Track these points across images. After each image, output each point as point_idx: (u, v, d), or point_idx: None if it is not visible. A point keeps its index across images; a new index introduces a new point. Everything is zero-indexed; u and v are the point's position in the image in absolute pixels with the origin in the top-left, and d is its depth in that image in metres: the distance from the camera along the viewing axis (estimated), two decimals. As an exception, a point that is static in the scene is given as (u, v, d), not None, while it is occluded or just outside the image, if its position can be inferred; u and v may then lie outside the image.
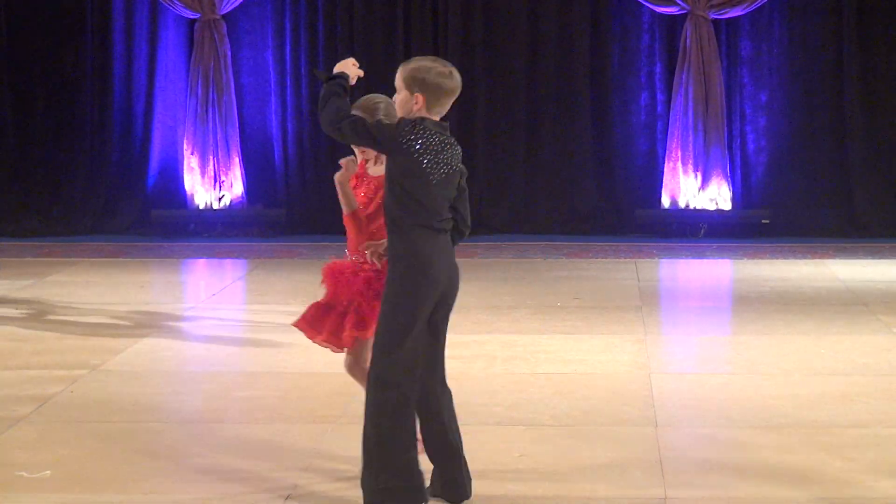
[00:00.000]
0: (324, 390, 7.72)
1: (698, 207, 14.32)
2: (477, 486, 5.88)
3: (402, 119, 5.70)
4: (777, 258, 12.93)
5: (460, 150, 5.77)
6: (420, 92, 5.67)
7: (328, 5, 14.72)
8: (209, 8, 14.51)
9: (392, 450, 5.60)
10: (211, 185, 14.60)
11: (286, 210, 14.59)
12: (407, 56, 15.26)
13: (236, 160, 14.65)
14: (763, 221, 14.25)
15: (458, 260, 5.79)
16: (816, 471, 6.27)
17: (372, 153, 6.16)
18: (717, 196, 14.29)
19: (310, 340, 6.25)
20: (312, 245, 13.70)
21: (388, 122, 5.86)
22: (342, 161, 6.19)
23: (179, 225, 14.67)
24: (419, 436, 5.76)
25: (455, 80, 5.72)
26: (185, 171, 14.68)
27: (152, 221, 14.58)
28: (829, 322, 9.78)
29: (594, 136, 14.73)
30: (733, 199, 14.38)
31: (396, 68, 5.86)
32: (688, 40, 14.24)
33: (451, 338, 5.85)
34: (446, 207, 5.70)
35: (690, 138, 14.24)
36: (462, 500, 5.83)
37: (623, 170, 14.76)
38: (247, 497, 5.96)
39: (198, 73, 14.55)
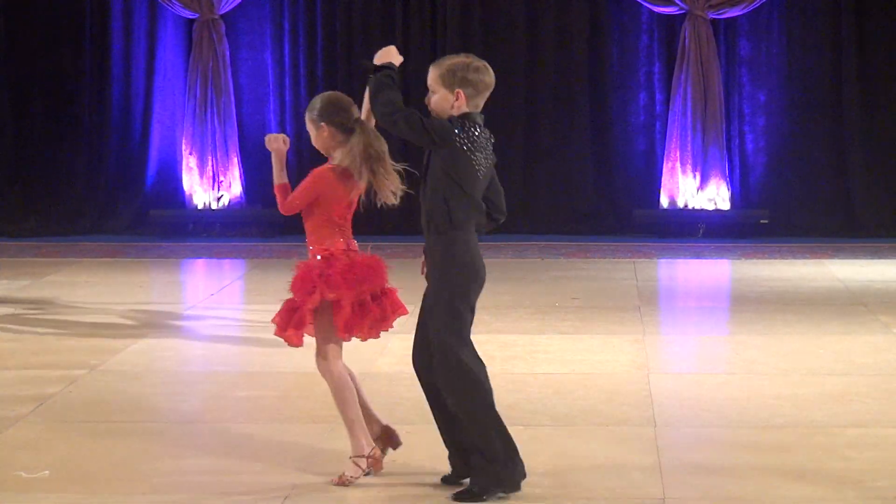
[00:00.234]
0: (324, 390, 7.66)
1: (697, 207, 14.32)
2: (476, 486, 5.89)
3: (449, 120, 5.75)
4: (775, 258, 12.93)
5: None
6: (461, 88, 5.72)
7: (326, 5, 14.73)
8: (208, 8, 14.51)
9: (501, 436, 5.82)
10: (209, 186, 14.60)
11: (285, 210, 14.57)
12: (405, 56, 15.31)
13: (235, 160, 14.67)
14: (761, 221, 14.26)
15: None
16: (815, 471, 6.27)
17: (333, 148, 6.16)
18: (715, 196, 14.30)
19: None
20: (311, 245, 13.68)
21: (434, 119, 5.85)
22: (283, 136, 6.22)
23: (178, 225, 14.67)
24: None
25: (492, 74, 5.86)
26: (183, 172, 14.68)
27: (151, 221, 14.59)
28: (827, 322, 9.78)
29: (593, 136, 14.73)
30: (732, 199, 14.39)
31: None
32: (686, 40, 14.24)
33: (450, 338, 5.88)
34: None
35: (689, 138, 14.25)
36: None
37: (622, 170, 14.76)
38: (246, 497, 5.97)
39: (196, 73, 14.55)
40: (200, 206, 14.63)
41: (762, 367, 8.42)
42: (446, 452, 6.10)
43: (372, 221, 14.75)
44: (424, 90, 5.91)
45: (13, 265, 12.59)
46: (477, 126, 5.77)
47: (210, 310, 10.50)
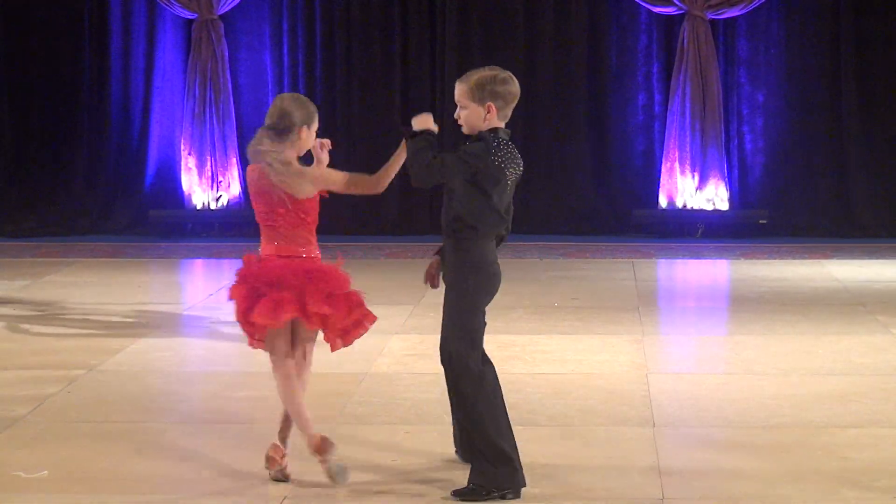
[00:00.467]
0: (323, 390, 7.71)
1: (696, 208, 14.32)
2: (475, 486, 5.89)
3: (480, 135, 5.74)
4: (774, 258, 12.94)
5: None
6: (492, 101, 5.75)
7: (325, 6, 14.72)
8: (206, 8, 14.51)
9: (506, 436, 5.84)
10: (208, 185, 14.60)
11: (283, 210, 14.57)
12: (405, 56, 15.29)
13: (234, 160, 14.67)
14: (760, 221, 14.25)
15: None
16: (814, 471, 6.28)
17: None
18: (714, 196, 14.30)
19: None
20: (310, 245, 13.68)
21: (468, 148, 5.84)
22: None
23: (177, 225, 14.67)
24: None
25: (517, 84, 5.98)
26: (182, 172, 14.68)
27: (150, 221, 14.58)
28: (826, 322, 9.79)
29: (592, 137, 14.73)
30: (731, 200, 14.38)
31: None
32: (685, 41, 14.24)
33: (449, 338, 5.88)
34: None
35: (688, 138, 14.24)
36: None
37: (620, 170, 14.76)
38: (246, 497, 5.97)
39: (195, 73, 14.55)
40: (199, 206, 14.63)
41: (761, 367, 8.42)
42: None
43: (372, 222, 14.84)
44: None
45: (12, 265, 12.59)
46: (507, 141, 5.85)
47: (209, 310, 10.49)
